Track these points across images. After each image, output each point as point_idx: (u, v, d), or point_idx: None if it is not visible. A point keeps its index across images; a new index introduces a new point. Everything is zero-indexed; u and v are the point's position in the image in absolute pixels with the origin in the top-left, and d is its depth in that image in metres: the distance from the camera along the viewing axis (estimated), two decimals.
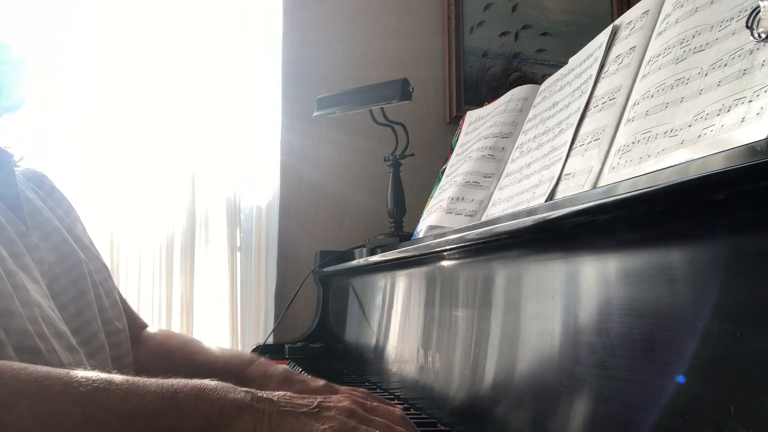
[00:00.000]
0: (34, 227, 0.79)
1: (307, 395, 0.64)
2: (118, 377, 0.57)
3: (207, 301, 2.12)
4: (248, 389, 0.61)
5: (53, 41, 2.01)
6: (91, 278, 0.84)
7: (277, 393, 0.62)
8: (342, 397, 0.65)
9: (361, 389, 0.89)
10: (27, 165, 0.90)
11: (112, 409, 0.54)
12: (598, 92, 0.86)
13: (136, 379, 0.58)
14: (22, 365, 0.55)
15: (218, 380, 0.90)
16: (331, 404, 0.62)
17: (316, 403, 0.62)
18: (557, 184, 0.85)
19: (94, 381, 0.55)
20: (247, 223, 2.21)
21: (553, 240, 0.71)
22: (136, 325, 1.00)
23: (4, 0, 1.98)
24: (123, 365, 0.86)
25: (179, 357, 0.95)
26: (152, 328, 1.03)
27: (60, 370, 0.56)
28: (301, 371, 1.45)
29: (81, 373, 0.56)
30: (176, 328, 2.06)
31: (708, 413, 0.46)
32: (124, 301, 1.00)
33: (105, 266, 0.91)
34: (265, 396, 0.60)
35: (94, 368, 0.77)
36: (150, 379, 0.58)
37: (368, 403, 0.67)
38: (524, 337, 0.74)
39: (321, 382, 0.87)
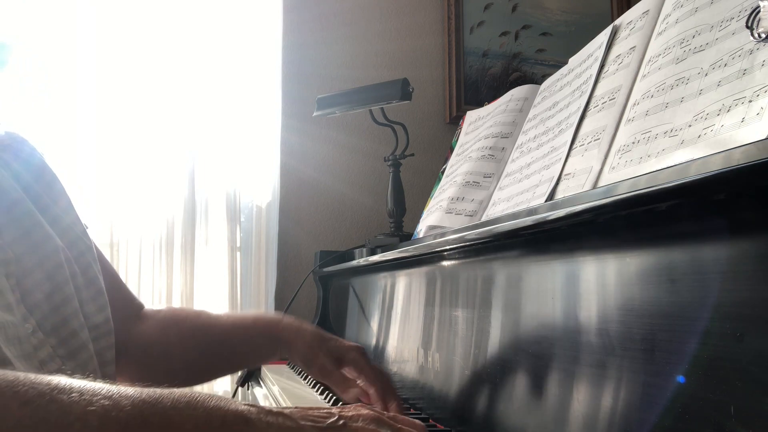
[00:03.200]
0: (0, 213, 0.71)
1: (322, 408, 0.57)
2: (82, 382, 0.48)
3: (207, 300, 2.12)
4: (249, 403, 0.53)
5: (59, 37, 2.01)
6: (71, 268, 0.75)
7: (287, 408, 0.55)
8: (359, 406, 0.59)
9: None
10: (5, 129, 0.80)
11: (75, 413, 0.44)
12: (598, 92, 0.86)
13: (109, 385, 0.48)
14: None
15: (250, 334, 0.83)
16: (354, 414, 0.56)
17: (337, 415, 0.55)
18: (557, 184, 0.85)
19: (49, 383, 0.46)
20: (247, 223, 2.21)
21: (553, 240, 0.70)
22: (134, 305, 0.95)
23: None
24: (104, 361, 0.78)
25: (193, 324, 0.89)
26: (154, 306, 0.98)
27: (7, 372, 0.46)
28: (301, 371, 1.45)
29: (33, 376, 0.46)
30: None
31: (708, 413, 0.46)
32: (119, 283, 0.93)
33: (90, 248, 0.82)
34: (274, 410, 0.53)
35: (74, 371, 0.69)
36: (127, 386, 0.49)
37: (385, 414, 0.60)
38: (524, 337, 0.74)
39: (353, 343, 0.86)
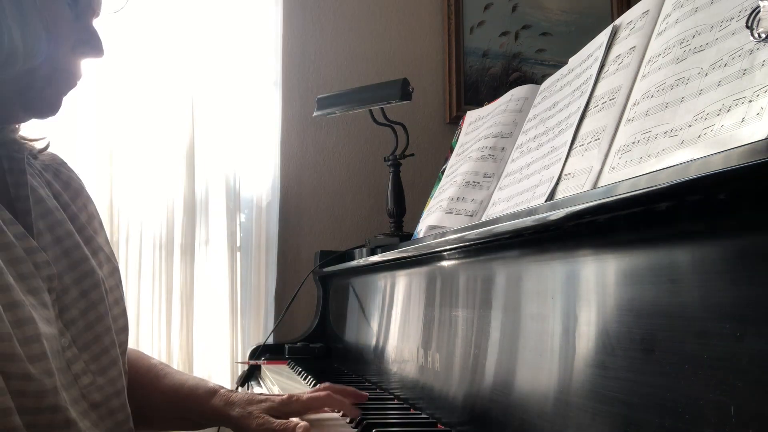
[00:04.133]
0: (45, 231, 0.75)
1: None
2: None
3: (207, 301, 2.12)
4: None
5: None
6: (104, 286, 0.80)
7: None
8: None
9: (325, 387, 0.92)
10: (50, 150, 0.84)
11: None
12: (598, 92, 0.86)
13: None
14: None
15: (181, 406, 0.93)
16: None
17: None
18: (557, 184, 0.85)
19: None
20: (247, 222, 2.21)
21: (553, 240, 0.70)
22: None
23: None
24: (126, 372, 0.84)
25: (143, 379, 0.94)
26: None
27: None
28: (301, 371, 1.45)
29: None
30: (176, 327, 2.06)
31: (708, 413, 0.46)
32: None
33: (117, 269, 0.87)
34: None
35: (102, 388, 0.75)
36: None
37: None
38: (524, 337, 0.74)
39: (285, 395, 0.89)
